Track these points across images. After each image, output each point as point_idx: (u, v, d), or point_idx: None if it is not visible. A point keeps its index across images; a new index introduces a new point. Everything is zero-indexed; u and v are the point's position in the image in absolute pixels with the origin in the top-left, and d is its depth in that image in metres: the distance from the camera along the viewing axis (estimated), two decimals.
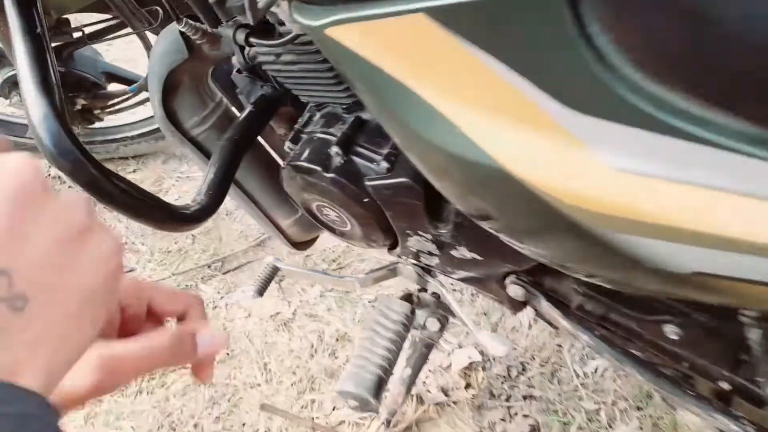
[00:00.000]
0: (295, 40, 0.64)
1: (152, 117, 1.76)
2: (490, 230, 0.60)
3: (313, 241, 1.15)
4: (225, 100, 0.94)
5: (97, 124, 1.68)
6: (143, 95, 1.45)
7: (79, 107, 1.37)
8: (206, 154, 0.93)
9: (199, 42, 0.81)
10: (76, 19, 1.22)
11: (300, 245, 1.12)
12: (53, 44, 1.28)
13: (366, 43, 0.47)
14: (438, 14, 0.40)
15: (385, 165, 0.76)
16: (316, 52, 0.72)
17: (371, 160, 0.79)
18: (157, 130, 1.76)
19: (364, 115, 0.82)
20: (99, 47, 1.39)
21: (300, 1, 0.50)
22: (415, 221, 0.79)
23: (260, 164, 1.00)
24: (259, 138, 0.99)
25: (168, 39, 0.82)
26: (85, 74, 1.34)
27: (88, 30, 1.22)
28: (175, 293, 0.45)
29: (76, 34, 1.20)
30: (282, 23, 0.69)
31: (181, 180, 1.84)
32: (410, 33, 0.43)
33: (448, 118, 0.47)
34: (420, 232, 0.81)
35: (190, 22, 0.77)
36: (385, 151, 0.78)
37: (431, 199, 0.76)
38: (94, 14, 1.22)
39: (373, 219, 0.82)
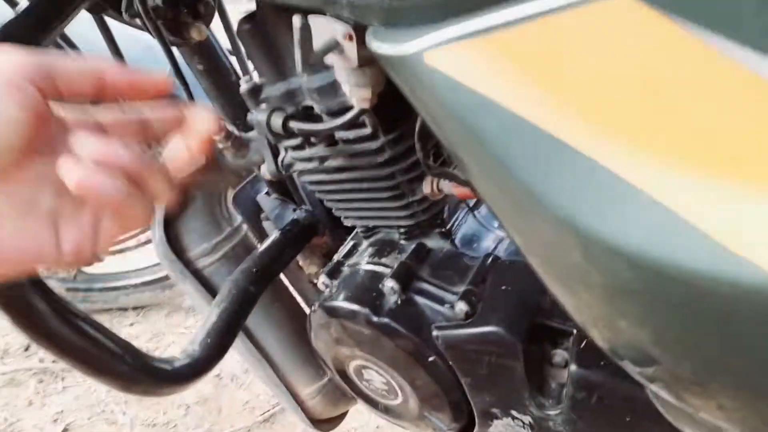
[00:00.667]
0: (358, 120, 0.46)
1: (160, 264, 1.59)
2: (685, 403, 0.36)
3: (340, 418, 0.87)
4: (245, 226, 0.74)
5: (98, 268, 1.49)
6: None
7: None
8: (212, 292, 0.72)
9: (221, 146, 0.64)
10: None
11: (322, 424, 0.84)
12: None
13: (502, 71, 0.28)
14: None
15: (463, 307, 0.53)
16: (373, 152, 0.54)
17: (441, 301, 0.56)
18: (165, 278, 1.56)
19: (430, 243, 0.61)
20: None
21: (383, 25, 0.32)
22: (507, 394, 0.53)
23: (280, 309, 0.77)
24: (281, 276, 0.77)
25: None
26: None
27: None
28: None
29: None
30: (331, 112, 0.52)
31: (184, 336, 1.60)
32: (593, 33, 0.24)
33: (639, 188, 0.25)
34: (514, 413, 0.55)
35: None
36: (461, 288, 0.56)
37: (534, 358, 0.52)
38: None
39: (440, 388, 0.57)
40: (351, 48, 0.37)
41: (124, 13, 0.52)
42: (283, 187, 0.75)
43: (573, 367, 0.49)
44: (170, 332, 1.61)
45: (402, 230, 0.62)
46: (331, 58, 0.38)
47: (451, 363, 0.54)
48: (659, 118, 0.24)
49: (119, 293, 1.60)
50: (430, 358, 0.55)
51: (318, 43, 0.36)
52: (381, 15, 0.32)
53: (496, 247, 0.62)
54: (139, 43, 0.95)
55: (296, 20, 0.33)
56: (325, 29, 0.36)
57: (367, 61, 0.39)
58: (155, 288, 1.58)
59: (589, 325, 0.37)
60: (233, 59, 0.71)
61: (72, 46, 0.75)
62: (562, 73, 0.26)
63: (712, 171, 0.24)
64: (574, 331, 0.51)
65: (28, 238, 0.32)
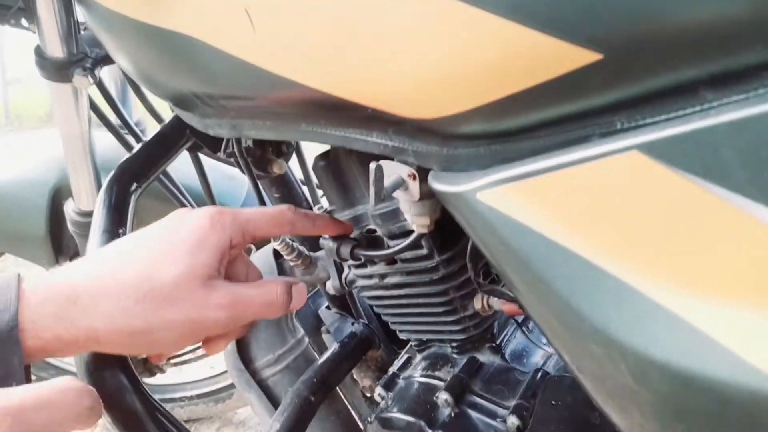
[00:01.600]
0: (416, 242, 0.53)
1: (215, 376, 1.63)
2: None
3: None
4: (307, 339, 0.80)
5: (157, 380, 1.55)
6: None
7: (143, 355, 1.27)
8: (273, 402, 0.76)
9: (292, 264, 0.72)
10: None
11: None
12: None
13: (541, 207, 0.34)
14: (668, 148, 0.28)
15: (514, 422, 0.55)
16: (429, 270, 0.60)
17: (493, 415, 0.59)
18: (219, 391, 1.60)
19: (481, 357, 0.65)
20: None
21: (440, 169, 0.39)
22: None
23: (336, 423, 0.80)
24: (337, 389, 0.81)
25: (257, 255, 0.74)
26: None
27: None
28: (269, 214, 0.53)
29: None
30: (392, 235, 0.59)
31: None
32: (616, 183, 0.31)
33: (680, 316, 0.30)
34: None
35: (287, 240, 0.69)
36: (512, 402, 0.58)
37: None
38: None
39: None
40: (414, 185, 0.44)
41: (222, 153, 0.63)
42: (343, 302, 0.81)
43: None
44: None
45: (454, 344, 0.66)
46: (396, 193, 0.46)
47: None
48: (675, 250, 0.30)
49: (175, 405, 1.64)
50: None
51: (387, 181, 0.44)
52: (439, 161, 0.39)
53: (545, 363, 0.65)
54: (221, 173, 1.09)
55: (372, 165, 0.40)
56: (393, 170, 0.44)
57: (427, 195, 0.46)
58: (209, 401, 1.61)
59: None
60: (305, 189, 0.81)
61: (172, 182, 0.87)
62: (592, 212, 0.32)
63: (727, 294, 0.29)
64: None
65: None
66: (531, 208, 0.34)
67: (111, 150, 0.91)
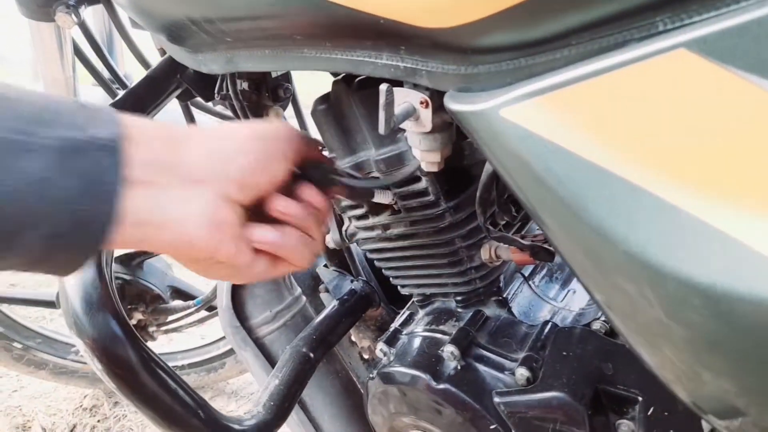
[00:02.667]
0: (422, 188, 0.50)
1: (207, 345, 1.60)
2: None
3: None
4: (304, 297, 0.77)
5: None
6: (203, 314, 1.31)
7: (134, 322, 1.24)
8: (270, 361, 0.73)
9: None
10: None
11: None
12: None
13: (571, 122, 0.31)
14: (720, 44, 0.25)
15: (524, 373, 0.53)
16: (434, 219, 0.57)
17: (500, 368, 0.56)
18: (210, 360, 1.57)
19: (487, 311, 0.62)
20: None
21: (458, 90, 0.36)
22: None
23: (333, 381, 0.78)
24: (335, 349, 0.79)
25: None
26: (150, 285, 1.24)
27: None
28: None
29: None
30: (398, 183, 0.56)
31: None
32: (659, 87, 0.28)
33: (729, 235, 0.27)
34: None
35: None
36: (520, 354, 0.56)
37: (599, 427, 0.51)
38: None
39: None
40: (426, 114, 0.41)
41: (216, 95, 0.59)
42: (341, 260, 0.79)
43: None
44: None
45: (459, 298, 0.63)
46: (405, 125, 0.43)
47: (513, 431, 0.53)
48: (721, 159, 0.27)
49: None
50: (492, 426, 0.54)
51: (397, 109, 0.40)
52: (456, 81, 0.36)
53: (552, 317, 0.63)
54: None
55: (383, 86, 0.37)
56: (403, 98, 0.41)
57: (438, 127, 0.43)
58: (200, 370, 1.59)
59: (673, 381, 0.37)
60: None
61: None
62: (630, 121, 0.29)
63: None
64: (640, 399, 0.50)
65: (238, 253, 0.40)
66: (560, 124, 0.31)
67: (97, 102, 0.86)
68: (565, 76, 0.31)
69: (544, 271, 0.68)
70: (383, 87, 0.37)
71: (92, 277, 0.45)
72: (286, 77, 0.65)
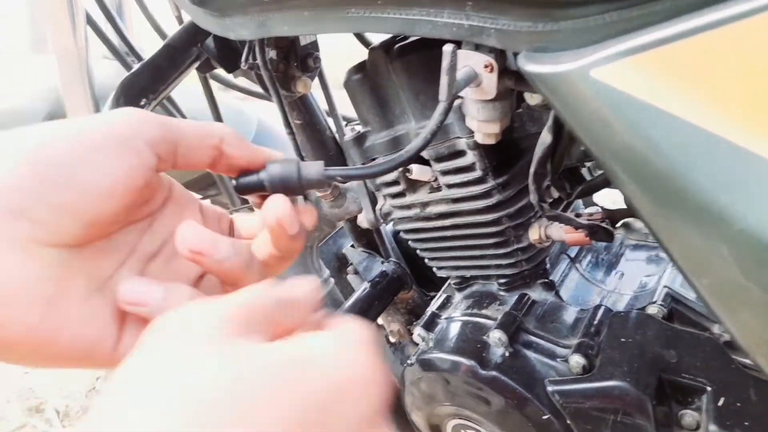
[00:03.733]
0: (469, 163, 0.46)
1: None
2: None
3: None
4: (332, 279, 0.73)
5: None
6: None
7: None
8: None
9: (319, 195, 0.65)
10: None
11: None
12: None
13: (670, 81, 0.27)
14: None
15: (579, 361, 0.50)
16: (480, 197, 0.53)
17: (551, 355, 0.53)
18: None
19: (533, 294, 0.59)
20: None
21: (533, 50, 0.32)
22: None
23: None
24: None
25: None
26: None
27: None
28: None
29: None
30: (440, 157, 0.52)
31: None
32: None
33: None
34: None
35: None
36: (572, 340, 0.53)
37: (664, 418, 0.47)
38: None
39: None
40: (490, 79, 0.37)
41: (243, 64, 0.55)
42: (369, 240, 0.75)
43: (713, 428, 0.45)
44: None
45: (502, 281, 0.60)
46: (465, 92, 0.39)
47: (569, 422, 0.50)
48: None
49: None
50: (544, 417, 0.51)
51: (458, 75, 0.36)
52: (531, 40, 0.32)
53: (602, 301, 0.59)
54: (228, 107, 1.01)
55: (447, 47, 0.33)
56: (464, 61, 0.37)
57: (501, 94, 0.39)
58: None
59: (753, 350, 0.34)
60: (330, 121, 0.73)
61: (177, 110, 0.78)
62: (734, 81, 0.26)
63: None
64: (709, 389, 0.46)
65: (89, 330, 0.26)
66: (660, 84, 0.28)
67: (110, 80, 0.82)
68: (666, 32, 0.27)
69: (590, 254, 0.64)
70: (448, 47, 0.33)
71: None
72: (315, 45, 0.61)
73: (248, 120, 1.00)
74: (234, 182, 0.32)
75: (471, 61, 0.37)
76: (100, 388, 1.51)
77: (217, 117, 0.77)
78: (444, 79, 0.34)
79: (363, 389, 0.22)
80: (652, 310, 0.53)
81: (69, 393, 1.49)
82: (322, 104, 0.73)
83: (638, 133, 0.28)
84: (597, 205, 0.70)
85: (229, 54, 0.62)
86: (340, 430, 0.21)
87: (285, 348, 0.22)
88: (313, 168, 0.31)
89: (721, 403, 0.45)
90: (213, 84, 0.77)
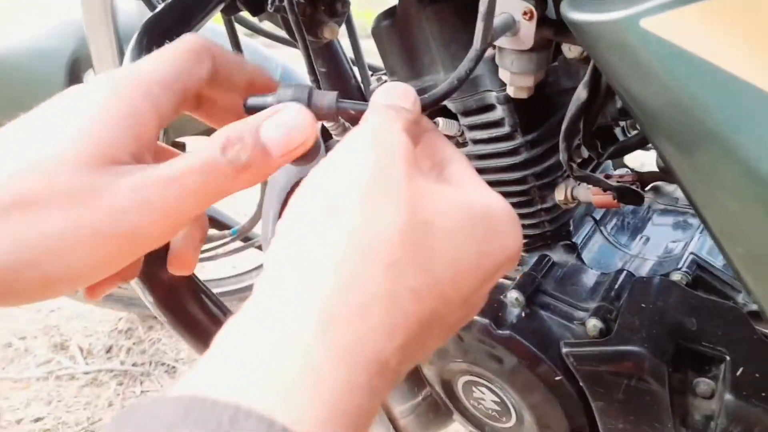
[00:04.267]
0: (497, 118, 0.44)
1: (241, 274, 1.61)
2: None
3: None
4: None
5: None
6: (238, 244, 1.29)
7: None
8: None
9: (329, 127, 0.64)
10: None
11: None
12: None
13: (729, 36, 0.25)
14: None
15: (596, 324, 0.49)
16: (507, 154, 0.52)
17: (569, 317, 0.53)
18: (243, 290, 1.58)
19: (554, 255, 0.58)
20: None
21: None
22: (646, 423, 0.49)
23: None
24: None
25: None
26: None
27: None
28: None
29: None
30: (468, 111, 0.51)
31: None
32: None
33: None
34: None
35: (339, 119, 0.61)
36: (591, 304, 0.52)
37: (679, 385, 0.47)
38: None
39: (564, 412, 0.53)
40: (528, 28, 0.35)
41: (269, 6, 0.53)
42: None
43: (729, 397, 0.45)
44: None
45: (524, 240, 0.59)
46: (501, 41, 0.37)
47: (581, 384, 0.50)
48: None
49: None
50: (557, 378, 0.51)
51: (495, 22, 0.34)
52: None
53: (625, 266, 0.58)
54: (256, 53, 0.99)
55: None
56: (501, 7, 0.35)
57: (538, 45, 0.37)
58: (232, 299, 1.60)
59: None
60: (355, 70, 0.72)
61: None
62: None
63: None
64: (728, 358, 0.46)
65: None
66: (717, 38, 0.26)
67: (134, 18, 0.81)
68: None
69: (615, 217, 0.63)
70: None
71: None
72: None
73: (273, 67, 0.99)
74: (244, 103, 0.31)
75: (509, 7, 0.35)
76: (122, 328, 1.55)
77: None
78: (480, 25, 0.32)
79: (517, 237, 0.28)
80: (675, 276, 0.52)
81: (93, 332, 1.54)
82: (348, 52, 0.71)
83: (690, 91, 0.27)
84: (627, 167, 0.68)
85: None
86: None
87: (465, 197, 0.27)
88: (326, 97, 0.30)
89: (739, 373, 0.45)
90: (239, 28, 0.76)
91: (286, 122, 0.28)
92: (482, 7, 0.32)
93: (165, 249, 0.42)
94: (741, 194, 0.29)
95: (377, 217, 0.23)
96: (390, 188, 0.24)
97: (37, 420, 1.26)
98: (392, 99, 0.30)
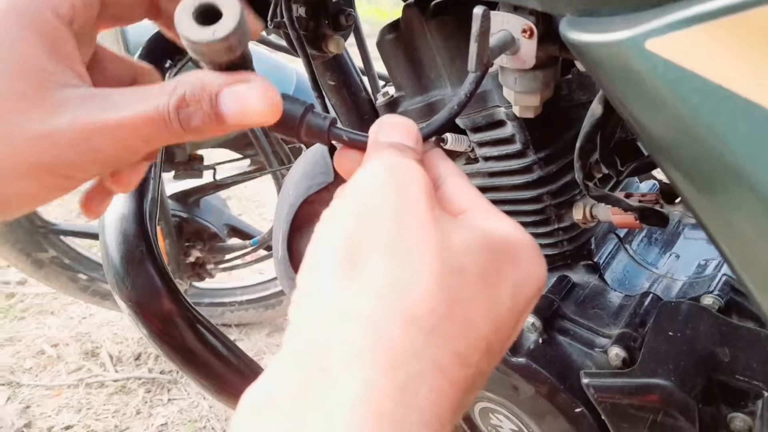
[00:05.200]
0: (507, 133, 0.41)
1: (265, 282, 1.61)
2: None
3: None
4: None
5: (207, 284, 1.54)
6: (261, 253, 1.29)
7: (192, 259, 1.23)
8: None
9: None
10: (209, 158, 1.14)
11: None
12: (184, 186, 1.19)
13: (739, 58, 0.22)
14: None
15: (620, 353, 0.46)
16: (520, 171, 0.49)
17: (590, 344, 0.49)
18: (268, 297, 1.58)
19: (574, 276, 0.55)
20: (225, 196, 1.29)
21: (580, 14, 0.27)
22: None
23: None
24: None
25: (310, 159, 0.64)
26: (206, 223, 1.22)
27: (219, 168, 1.11)
28: None
29: (207, 173, 1.11)
30: (477, 127, 0.48)
31: None
32: None
33: None
34: None
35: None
36: (614, 330, 0.49)
37: (710, 421, 0.43)
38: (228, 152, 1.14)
39: None
40: (528, 46, 0.32)
41: (268, 23, 0.51)
42: None
43: None
44: (270, 352, 1.61)
45: None
46: (501, 60, 0.34)
47: (603, 417, 0.47)
48: None
49: (225, 309, 1.63)
50: (577, 410, 0.48)
51: (491, 41, 0.32)
52: (578, 2, 0.27)
53: (652, 286, 0.54)
54: (266, 62, 0.98)
55: (478, 9, 0.29)
56: (500, 24, 0.32)
57: (541, 63, 0.34)
58: (259, 306, 1.60)
59: None
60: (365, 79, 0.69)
61: None
62: None
63: None
64: (766, 393, 0.42)
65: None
66: (729, 60, 0.23)
67: (143, 28, 0.80)
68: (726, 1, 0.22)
69: (642, 233, 0.59)
70: (478, 10, 0.29)
71: (133, 232, 0.40)
72: (349, 2, 0.56)
73: (287, 76, 0.97)
74: None
75: (508, 25, 0.32)
76: None
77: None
78: (473, 47, 0.29)
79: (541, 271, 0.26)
80: (707, 300, 0.48)
81: (122, 339, 1.56)
82: (358, 61, 0.69)
83: (700, 117, 0.24)
84: (655, 178, 0.64)
85: (259, 8, 0.58)
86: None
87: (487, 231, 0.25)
88: (321, 120, 0.29)
89: None
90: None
91: (246, 98, 0.26)
92: (475, 27, 0.29)
93: (157, 279, 0.41)
94: (759, 224, 0.25)
95: (408, 273, 0.21)
96: (417, 235, 0.22)
97: (67, 428, 1.28)
98: (395, 137, 0.28)
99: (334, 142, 0.31)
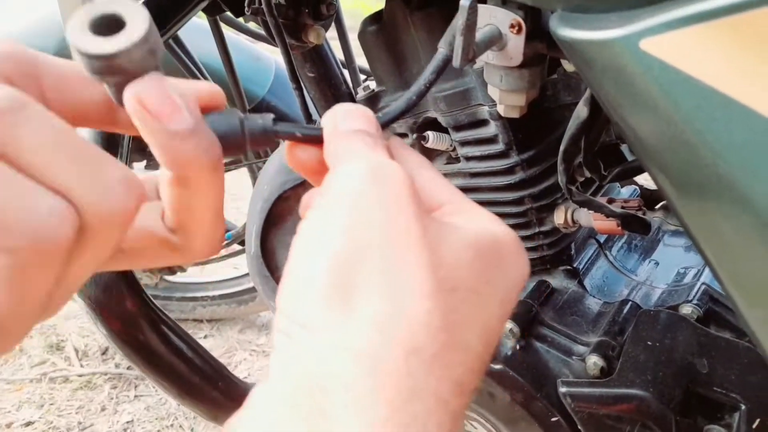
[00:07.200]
0: (491, 135, 0.40)
1: (238, 277, 1.57)
2: None
3: None
4: None
5: (179, 278, 1.50)
6: (236, 248, 1.26)
7: None
8: None
9: None
10: None
11: None
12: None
13: (734, 59, 0.21)
14: None
15: (597, 362, 0.45)
16: (502, 173, 0.47)
17: (568, 352, 0.48)
18: (241, 293, 1.55)
19: (553, 281, 0.54)
20: None
21: (571, 9, 0.26)
22: None
23: None
24: None
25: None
26: None
27: None
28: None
29: None
30: (459, 125, 0.46)
31: (256, 354, 1.57)
32: None
33: None
34: None
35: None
36: (592, 338, 0.48)
37: (688, 429, 0.43)
38: None
39: None
40: (516, 42, 0.31)
41: (246, 9, 0.49)
42: None
43: None
44: (242, 348, 1.58)
45: None
46: (486, 57, 0.33)
47: (579, 427, 0.46)
48: None
49: (197, 304, 1.60)
50: (553, 419, 0.47)
51: (478, 33, 0.30)
52: None
53: (631, 293, 0.53)
54: (245, 53, 0.95)
55: (464, 1, 0.27)
56: (487, 18, 0.31)
57: (530, 59, 0.33)
58: (232, 302, 1.57)
59: None
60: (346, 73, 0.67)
61: (186, 52, 0.73)
62: None
63: None
64: (743, 406, 0.41)
65: None
66: (727, 63, 0.21)
67: None
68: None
69: (623, 239, 0.58)
70: (465, 1, 0.27)
71: None
72: None
73: (265, 66, 0.95)
74: None
75: (496, 20, 0.30)
76: None
77: (228, 62, 0.72)
78: (459, 41, 0.28)
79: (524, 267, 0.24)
80: (685, 310, 0.48)
81: (89, 333, 1.51)
82: (339, 55, 0.67)
83: (693, 121, 0.22)
84: (637, 184, 0.63)
85: None
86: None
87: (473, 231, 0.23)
88: (260, 121, 0.25)
89: (756, 425, 0.40)
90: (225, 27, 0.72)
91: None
92: (461, 20, 0.27)
93: (119, 276, 0.38)
94: (748, 235, 0.24)
95: (406, 300, 0.19)
96: (410, 254, 0.20)
97: (28, 424, 1.24)
98: (357, 124, 0.26)
99: (283, 140, 0.27)
